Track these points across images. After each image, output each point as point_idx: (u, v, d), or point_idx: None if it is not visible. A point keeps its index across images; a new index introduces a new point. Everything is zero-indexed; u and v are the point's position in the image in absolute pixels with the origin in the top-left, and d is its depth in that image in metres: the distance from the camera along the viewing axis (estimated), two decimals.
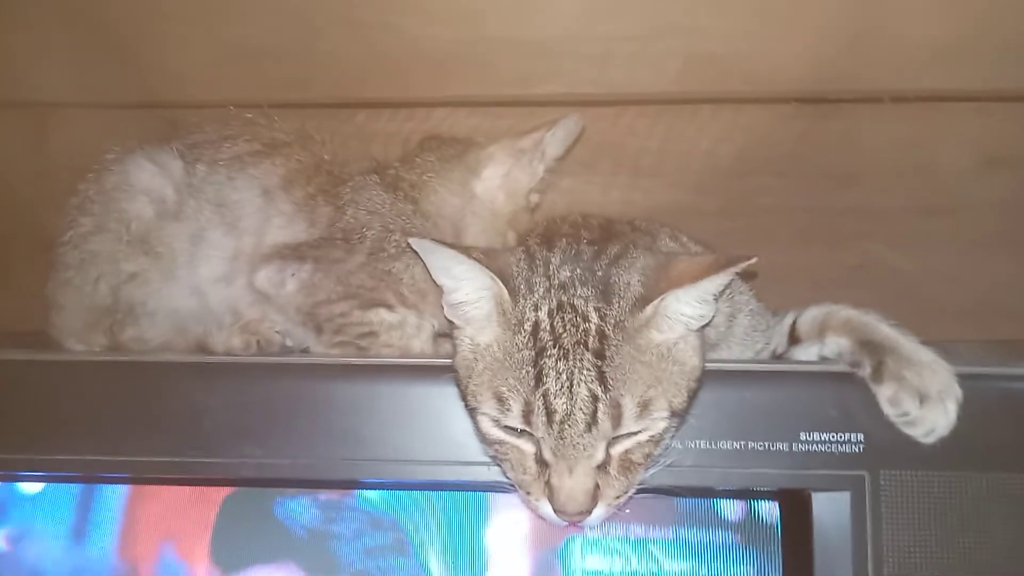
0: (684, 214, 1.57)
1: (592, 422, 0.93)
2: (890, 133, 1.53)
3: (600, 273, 0.99)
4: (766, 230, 1.63)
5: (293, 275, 1.20)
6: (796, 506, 1.03)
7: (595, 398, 0.92)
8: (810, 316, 1.18)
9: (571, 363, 0.93)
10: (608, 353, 0.94)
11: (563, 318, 0.95)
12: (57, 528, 1.12)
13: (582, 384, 0.93)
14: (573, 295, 0.97)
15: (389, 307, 1.21)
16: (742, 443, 1.01)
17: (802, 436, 1.01)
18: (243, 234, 1.24)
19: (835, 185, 1.60)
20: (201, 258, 1.24)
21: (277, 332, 1.21)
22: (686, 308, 0.96)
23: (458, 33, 1.43)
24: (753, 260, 0.93)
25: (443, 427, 1.05)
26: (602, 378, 0.93)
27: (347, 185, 1.27)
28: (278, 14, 1.42)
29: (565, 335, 0.95)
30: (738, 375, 1.05)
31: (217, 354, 1.19)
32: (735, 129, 1.55)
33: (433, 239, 1.01)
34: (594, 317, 0.95)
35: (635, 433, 0.95)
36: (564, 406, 0.93)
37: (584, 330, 0.95)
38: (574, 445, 0.93)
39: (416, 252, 1.00)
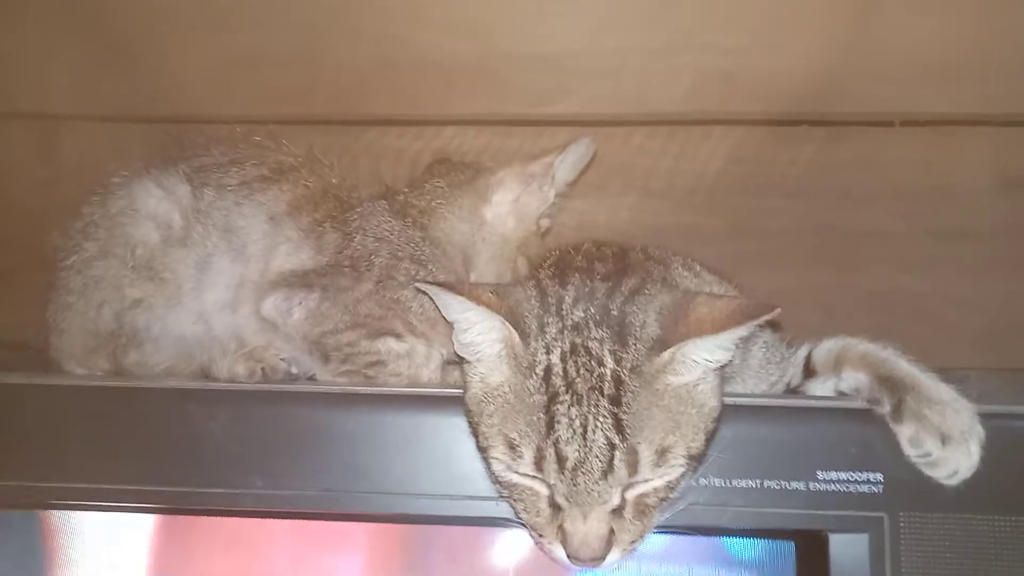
0: (694, 235, 1.56)
1: (608, 470, 0.90)
2: (902, 155, 1.51)
3: (615, 312, 0.95)
4: (776, 252, 1.60)
5: (300, 303, 1.17)
6: (813, 547, 1.00)
7: (612, 446, 0.89)
8: (826, 349, 1.15)
9: (585, 409, 0.90)
10: (625, 399, 0.90)
11: (577, 362, 0.92)
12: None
13: (598, 431, 0.89)
14: (587, 337, 0.94)
15: (397, 336, 1.18)
16: (757, 481, 0.98)
17: (819, 475, 0.98)
18: (249, 260, 1.21)
19: (847, 207, 1.57)
20: (207, 284, 1.21)
21: (282, 360, 1.17)
22: (706, 354, 0.92)
23: (468, 47, 1.42)
24: (776, 311, 0.90)
25: (451, 459, 1.02)
26: (619, 425, 0.90)
27: (355, 211, 1.25)
28: (286, 28, 1.42)
29: (579, 380, 0.91)
30: (753, 410, 1.01)
31: (221, 381, 1.16)
32: (746, 150, 1.53)
33: (440, 282, 0.98)
34: (610, 361, 0.92)
35: (650, 479, 0.92)
36: (576, 453, 0.90)
37: (599, 375, 0.91)
38: (588, 492, 0.90)
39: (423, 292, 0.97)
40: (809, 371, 1.17)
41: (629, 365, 0.92)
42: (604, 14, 1.40)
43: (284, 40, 1.43)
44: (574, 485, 0.90)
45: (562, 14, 1.39)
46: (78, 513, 1.10)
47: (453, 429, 1.02)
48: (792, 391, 1.17)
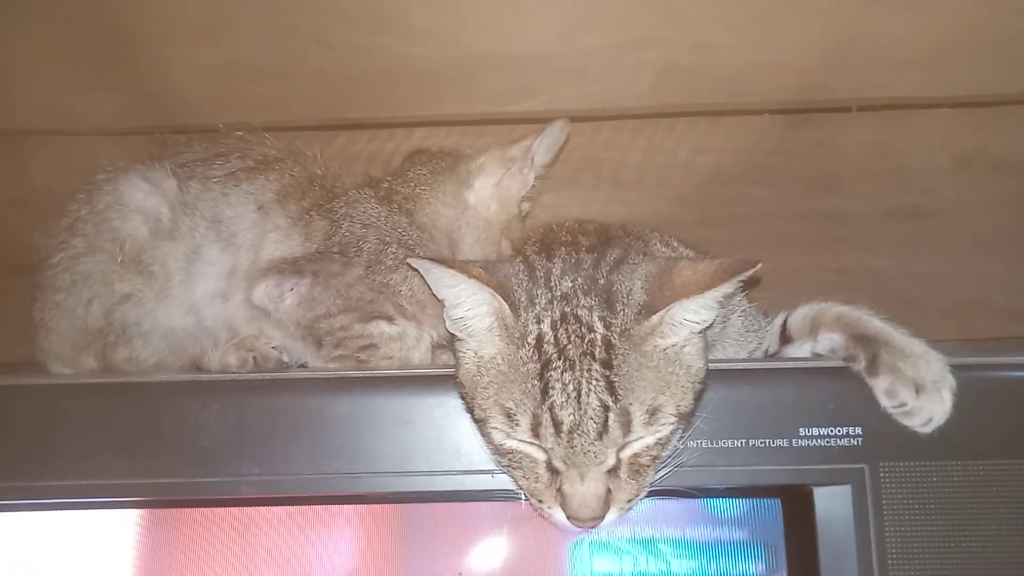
0: (665, 225, 1.54)
1: (603, 431, 0.92)
2: (862, 139, 1.56)
3: (602, 281, 0.98)
4: (746, 238, 1.65)
5: (292, 289, 1.18)
6: (798, 502, 1.03)
7: (606, 407, 0.92)
8: (801, 314, 1.19)
9: (578, 374, 0.93)
10: (615, 362, 0.93)
11: (567, 329, 0.95)
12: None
13: (592, 394, 0.92)
14: (576, 305, 0.96)
15: (389, 319, 1.20)
16: (743, 441, 1.01)
17: (801, 432, 1.01)
18: (239, 250, 1.22)
19: (812, 192, 1.62)
20: (197, 275, 1.21)
21: (274, 348, 1.18)
22: (691, 315, 0.95)
23: (436, 51, 1.45)
24: (758, 266, 0.93)
25: (445, 437, 1.03)
26: (611, 387, 0.92)
27: (341, 199, 1.26)
28: (258, 37, 1.43)
29: (570, 346, 0.94)
30: (736, 374, 1.04)
31: (213, 372, 1.17)
32: (712, 141, 1.58)
33: (431, 257, 1.00)
34: (599, 327, 0.95)
35: (643, 437, 0.94)
36: (571, 417, 0.92)
37: (590, 340, 0.94)
38: (584, 453, 0.93)
39: (415, 269, 0.99)
40: (785, 338, 1.21)
41: (618, 330, 0.94)
42: (569, 15, 1.43)
43: (259, 51, 1.45)
44: (571, 447, 0.93)
45: (528, 15, 1.43)
46: (74, 512, 1.10)
47: (445, 407, 1.03)
48: (770, 358, 1.21)
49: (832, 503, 1.01)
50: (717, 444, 1.01)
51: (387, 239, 1.22)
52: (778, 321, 1.22)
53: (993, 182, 1.58)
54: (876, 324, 1.08)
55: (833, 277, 1.67)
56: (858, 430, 1.01)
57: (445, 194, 1.29)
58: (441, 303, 1.02)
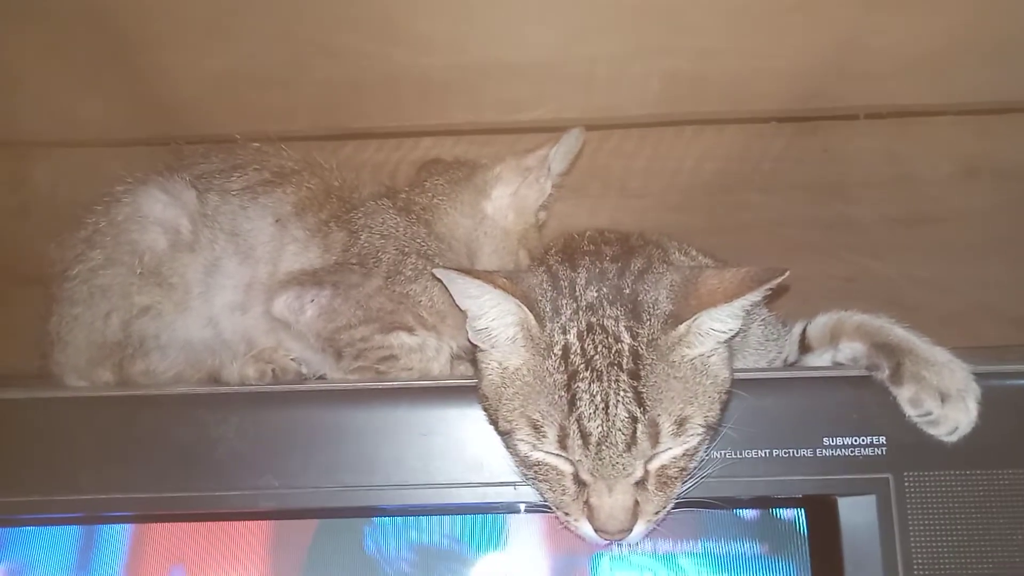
0: (672, 232, 1.56)
1: (631, 442, 0.91)
2: (868, 147, 1.55)
3: (627, 291, 0.97)
4: (753, 246, 1.64)
5: (312, 301, 1.17)
6: (823, 512, 1.03)
7: (634, 419, 0.91)
8: (820, 323, 1.18)
9: (605, 385, 0.92)
10: (643, 373, 0.92)
11: (594, 340, 0.94)
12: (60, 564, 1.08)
13: (619, 405, 0.91)
14: (602, 316, 0.95)
15: (409, 330, 1.19)
16: (766, 451, 1.01)
17: (825, 441, 1.00)
18: (258, 262, 1.21)
19: (818, 199, 1.62)
20: (216, 288, 1.20)
21: (292, 360, 1.18)
22: (718, 324, 0.95)
23: (442, 59, 1.42)
24: (786, 274, 0.93)
25: (466, 449, 1.02)
26: (639, 398, 0.91)
27: (359, 210, 1.25)
28: (263, 45, 1.41)
29: (597, 357, 0.93)
30: (759, 383, 1.03)
31: (231, 385, 1.15)
32: (718, 148, 1.57)
33: (456, 267, 0.99)
34: (626, 337, 0.94)
35: (671, 448, 0.94)
36: (599, 428, 0.91)
37: (617, 351, 0.93)
38: (613, 465, 0.92)
39: (438, 279, 0.98)
40: (805, 347, 1.19)
41: (645, 340, 0.93)
42: (575, 23, 1.41)
43: (264, 59, 1.42)
44: (599, 459, 0.91)
45: (534, 23, 1.40)
46: (91, 526, 1.09)
47: (466, 419, 1.03)
48: (790, 367, 1.20)
49: (857, 513, 1.01)
50: (741, 454, 1.00)
51: (406, 249, 1.21)
52: (797, 330, 1.21)
53: (999, 189, 1.57)
54: (899, 332, 1.07)
55: (839, 284, 1.66)
56: (882, 439, 1.01)
57: (463, 204, 1.28)
58: (463, 314, 1.00)
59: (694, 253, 1.18)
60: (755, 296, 0.94)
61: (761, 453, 1.01)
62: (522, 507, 1.04)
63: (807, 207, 1.62)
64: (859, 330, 1.11)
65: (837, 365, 1.15)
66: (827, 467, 1.01)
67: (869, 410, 1.02)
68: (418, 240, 1.23)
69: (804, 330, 1.20)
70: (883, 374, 1.03)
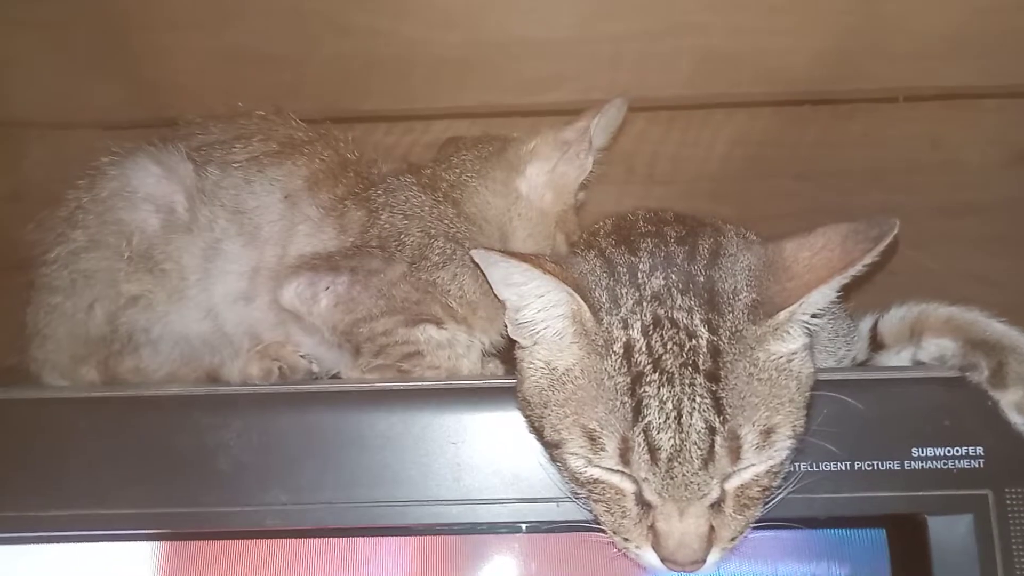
0: None
1: (709, 458, 0.75)
2: (908, 131, 1.43)
3: (701, 278, 0.82)
4: (787, 235, 1.48)
5: (327, 289, 1.01)
6: (908, 532, 0.88)
7: (712, 430, 0.75)
8: (896, 317, 1.03)
9: (678, 389, 0.76)
10: (723, 374, 0.76)
11: (662, 335, 0.78)
12: None
13: (695, 414, 0.75)
14: (672, 307, 0.80)
15: (437, 323, 1.03)
16: (847, 464, 0.86)
17: (914, 453, 0.87)
18: (265, 244, 1.05)
19: (856, 186, 1.50)
20: (216, 274, 1.04)
21: (302, 357, 1.02)
22: (822, 305, 0.80)
23: (456, 37, 1.31)
24: (897, 227, 0.79)
25: (501, 460, 0.88)
26: (719, 405, 0.76)
27: (379, 187, 1.10)
28: (269, 22, 1.29)
29: (667, 356, 0.77)
30: (838, 386, 0.87)
31: (233, 385, 1.00)
32: (751, 132, 1.45)
33: (498, 249, 0.84)
34: (703, 331, 0.78)
35: (754, 465, 0.78)
36: (671, 441, 0.75)
37: (692, 348, 0.77)
38: (687, 485, 0.76)
39: (477, 264, 0.83)
40: (877, 344, 1.05)
41: (727, 334, 0.78)
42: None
43: (269, 38, 1.31)
44: (670, 478, 0.76)
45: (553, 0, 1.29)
46: (73, 546, 0.94)
47: (502, 425, 0.88)
48: (869, 368, 1.05)
49: (950, 534, 0.87)
50: (818, 468, 0.86)
51: (432, 232, 1.06)
52: (866, 325, 1.06)
53: None
54: (997, 327, 0.93)
55: (882, 278, 1.49)
56: (979, 450, 0.86)
57: (494, 182, 1.12)
58: (499, 304, 0.86)
59: (752, 237, 1.00)
60: (869, 258, 0.79)
61: (841, 467, 0.87)
62: (564, 527, 0.88)
63: (845, 195, 1.49)
64: (948, 324, 0.96)
65: (918, 364, 1.00)
66: (916, 482, 0.86)
67: (964, 417, 0.88)
68: (446, 221, 1.07)
69: (875, 325, 1.06)
70: (981, 375, 0.89)
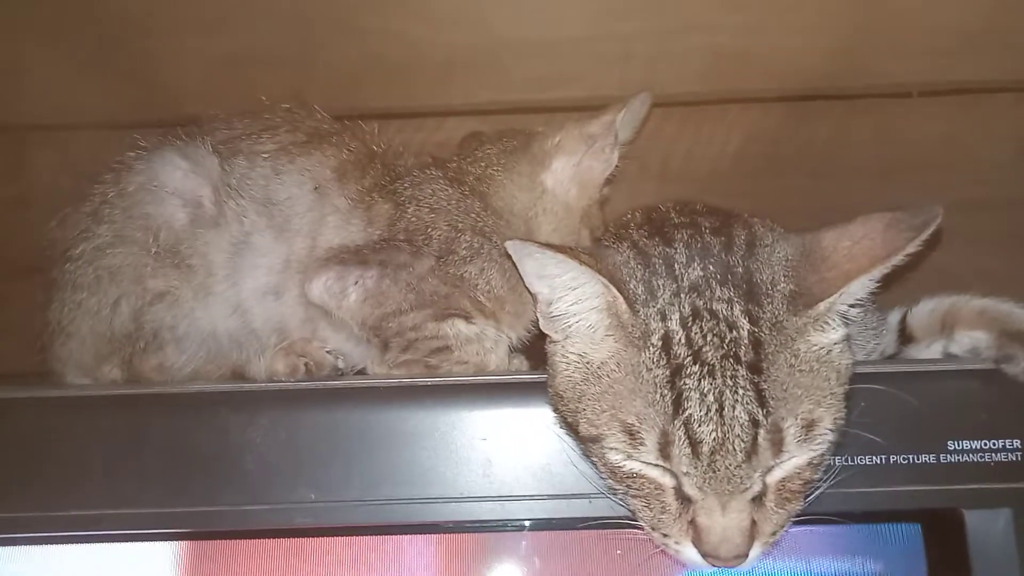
0: None
1: (752, 451, 0.74)
2: (923, 127, 1.42)
3: (739, 269, 0.80)
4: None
5: (356, 283, 0.99)
6: (945, 527, 0.87)
7: (755, 422, 0.74)
8: (926, 310, 1.02)
9: (720, 382, 0.75)
10: (765, 366, 0.75)
11: (702, 327, 0.77)
12: None
13: (738, 406, 0.74)
14: (711, 298, 0.78)
15: (467, 317, 1.01)
16: (882, 457, 0.85)
17: (950, 446, 0.85)
18: (295, 236, 1.03)
19: (871, 183, 1.48)
20: (245, 269, 1.02)
21: (328, 352, 1.00)
22: (862, 296, 0.79)
23: (465, 36, 1.30)
24: (940, 216, 0.78)
25: (532, 456, 0.87)
26: (761, 398, 0.74)
27: (405, 180, 1.08)
28: (274, 23, 1.28)
29: (707, 347, 0.76)
30: (872, 378, 0.85)
31: (259, 382, 0.99)
32: (764, 129, 1.43)
33: (533, 240, 0.82)
34: (744, 323, 0.76)
35: (796, 457, 0.76)
36: (713, 434, 0.74)
37: (732, 340, 0.76)
38: (729, 479, 0.74)
39: (510, 256, 0.81)
40: (906, 337, 1.04)
41: (768, 324, 0.76)
42: None
43: (275, 38, 1.29)
44: (712, 471, 0.74)
45: None
46: (101, 545, 0.92)
47: (532, 420, 0.87)
48: (901, 361, 1.03)
49: (987, 528, 0.86)
50: (853, 461, 0.85)
51: (459, 226, 1.04)
52: (894, 319, 1.05)
53: None
54: None
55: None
56: (1017, 443, 0.85)
57: (520, 175, 1.11)
58: (529, 298, 0.86)
59: (779, 230, 0.99)
60: (912, 248, 0.77)
61: (877, 460, 0.85)
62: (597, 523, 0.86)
63: (860, 191, 1.47)
64: (983, 316, 0.95)
65: (950, 357, 0.98)
66: (953, 476, 0.85)
67: (1001, 409, 0.86)
68: (472, 215, 1.06)
69: (903, 318, 1.04)
70: (1018, 367, 0.88)
